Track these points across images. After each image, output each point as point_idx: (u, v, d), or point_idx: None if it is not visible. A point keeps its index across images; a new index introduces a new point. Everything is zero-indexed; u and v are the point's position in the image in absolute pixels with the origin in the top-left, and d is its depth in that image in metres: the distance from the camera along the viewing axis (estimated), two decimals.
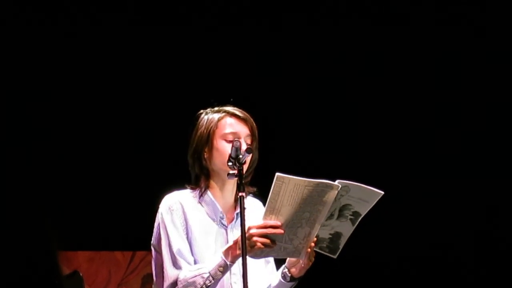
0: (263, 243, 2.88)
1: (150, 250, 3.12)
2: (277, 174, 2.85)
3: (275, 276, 3.13)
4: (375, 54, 5.35)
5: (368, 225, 3.08)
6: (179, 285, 3.00)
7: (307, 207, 2.88)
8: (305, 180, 2.86)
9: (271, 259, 3.19)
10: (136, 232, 4.43)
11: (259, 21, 5.30)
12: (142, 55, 5.16)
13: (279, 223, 2.89)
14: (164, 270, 3.04)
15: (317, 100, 5.37)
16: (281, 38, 5.30)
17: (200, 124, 3.16)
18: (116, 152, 5.13)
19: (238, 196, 2.90)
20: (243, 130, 3.12)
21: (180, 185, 3.20)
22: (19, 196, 4.80)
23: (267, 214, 2.89)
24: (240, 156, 2.93)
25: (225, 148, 3.06)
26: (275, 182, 2.85)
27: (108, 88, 5.14)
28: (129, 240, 5.11)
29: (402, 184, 5.08)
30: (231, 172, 2.94)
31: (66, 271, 4.80)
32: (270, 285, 3.14)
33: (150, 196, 3.30)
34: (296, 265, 3.04)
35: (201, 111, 3.21)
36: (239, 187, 2.91)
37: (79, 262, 5.09)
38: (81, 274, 4.80)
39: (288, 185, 2.84)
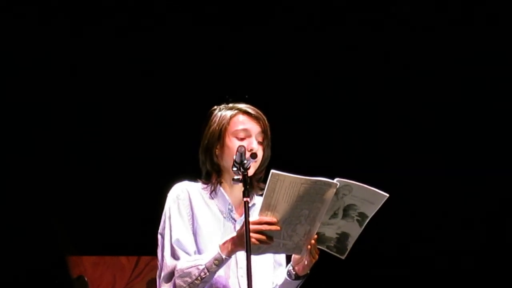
0: (257, 239, 2.87)
1: (155, 255, 3.13)
2: (272, 171, 2.83)
3: (282, 275, 3.13)
4: (374, 52, 5.38)
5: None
6: (176, 274, 2.99)
7: (304, 204, 2.87)
8: (301, 178, 2.84)
9: (283, 262, 3.19)
10: (141, 237, 4.44)
11: (264, 20, 5.33)
12: (152, 50, 5.19)
13: (274, 220, 2.88)
14: (164, 258, 3.05)
15: (319, 99, 5.39)
16: (284, 35, 5.34)
17: (213, 121, 3.15)
18: (121, 157, 5.14)
19: (243, 201, 2.88)
20: (254, 127, 3.11)
21: None
22: (28, 199, 4.82)
23: (262, 211, 2.88)
24: (245, 162, 2.91)
25: (236, 146, 3.03)
26: (270, 179, 2.83)
27: (114, 95, 5.16)
28: (134, 245, 5.11)
29: (403, 184, 5.09)
30: (235, 177, 2.93)
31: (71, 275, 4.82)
32: (276, 285, 3.14)
33: (155, 201, 3.31)
34: (300, 262, 3.04)
35: (215, 107, 3.20)
36: (244, 193, 2.89)
37: (84, 266, 5.10)
38: (86, 279, 4.82)
39: (284, 183, 2.83)
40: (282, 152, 3.25)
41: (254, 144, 3.07)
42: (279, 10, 5.33)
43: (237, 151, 2.93)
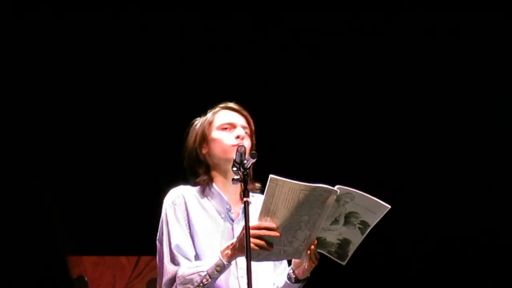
0: (256, 244, 2.86)
1: (155, 255, 3.13)
2: (270, 176, 2.83)
3: (282, 276, 3.13)
4: (374, 60, 5.38)
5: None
6: (177, 281, 3.00)
7: (304, 211, 2.86)
8: (300, 184, 2.83)
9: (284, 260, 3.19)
10: (141, 237, 4.44)
11: (263, 26, 5.34)
12: (152, 51, 5.19)
13: (274, 226, 2.87)
14: (164, 265, 3.06)
15: (321, 104, 5.39)
16: (278, 40, 5.34)
17: (195, 128, 3.21)
18: (121, 157, 5.14)
19: (243, 201, 2.88)
20: (239, 119, 3.18)
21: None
22: (28, 199, 4.82)
23: (262, 216, 2.87)
24: (245, 162, 2.91)
25: (222, 136, 3.12)
26: (268, 184, 2.82)
27: (114, 95, 5.16)
28: (134, 245, 5.11)
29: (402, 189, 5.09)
30: (235, 177, 2.93)
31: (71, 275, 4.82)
32: (277, 286, 3.14)
33: (155, 201, 3.31)
34: (300, 266, 3.04)
35: (196, 119, 3.26)
36: (244, 193, 2.88)
37: (84, 266, 5.10)
38: (86, 279, 4.82)
39: (283, 188, 2.82)
40: (284, 159, 3.26)
41: (241, 132, 3.12)
42: (278, 13, 5.34)
43: (237, 151, 2.93)
